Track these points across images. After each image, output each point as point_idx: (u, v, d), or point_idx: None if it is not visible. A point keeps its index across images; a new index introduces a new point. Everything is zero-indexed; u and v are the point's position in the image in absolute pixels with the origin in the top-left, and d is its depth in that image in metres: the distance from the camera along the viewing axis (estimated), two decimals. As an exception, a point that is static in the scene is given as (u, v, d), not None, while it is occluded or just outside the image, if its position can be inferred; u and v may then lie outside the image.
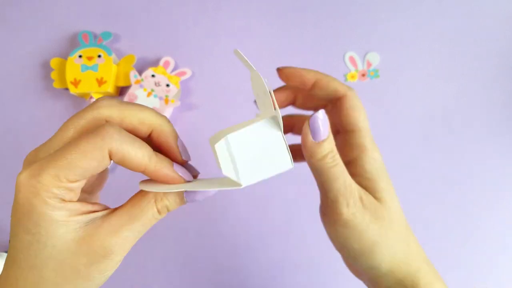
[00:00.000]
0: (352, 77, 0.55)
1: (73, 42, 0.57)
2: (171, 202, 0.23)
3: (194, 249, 0.52)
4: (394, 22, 0.56)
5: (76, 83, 0.53)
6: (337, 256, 0.28)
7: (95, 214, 0.22)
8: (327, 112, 0.26)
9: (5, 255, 0.47)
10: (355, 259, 0.26)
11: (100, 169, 0.21)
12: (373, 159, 0.26)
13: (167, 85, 0.53)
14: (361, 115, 0.28)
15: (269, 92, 0.22)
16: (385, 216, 0.25)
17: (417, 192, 0.53)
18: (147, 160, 0.21)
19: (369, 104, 0.55)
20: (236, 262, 0.51)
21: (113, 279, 0.53)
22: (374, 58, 0.55)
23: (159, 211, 0.22)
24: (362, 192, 0.25)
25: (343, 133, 0.28)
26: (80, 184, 0.21)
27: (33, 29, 0.57)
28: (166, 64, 0.55)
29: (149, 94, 0.53)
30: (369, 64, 0.55)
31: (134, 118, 0.22)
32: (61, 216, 0.20)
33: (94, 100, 0.54)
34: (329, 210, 0.25)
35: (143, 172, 0.22)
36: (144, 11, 0.57)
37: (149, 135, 0.23)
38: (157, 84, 0.53)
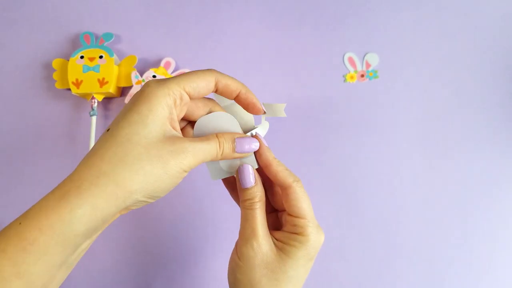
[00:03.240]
0: (351, 77, 0.56)
1: (75, 43, 0.57)
2: (227, 142, 0.30)
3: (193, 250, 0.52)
4: (393, 23, 0.57)
5: (77, 83, 0.53)
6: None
7: (178, 133, 0.30)
8: (278, 193, 0.34)
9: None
10: (234, 286, 0.32)
11: (206, 92, 0.30)
12: (313, 241, 0.31)
13: (168, 86, 0.54)
14: (305, 205, 0.32)
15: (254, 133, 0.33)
16: (275, 271, 0.30)
17: (416, 192, 0.53)
18: (242, 87, 0.31)
19: (368, 105, 0.55)
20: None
21: (114, 278, 0.53)
22: (373, 59, 0.56)
23: (219, 144, 0.30)
24: (266, 240, 0.31)
25: (289, 215, 0.32)
26: (186, 98, 0.29)
27: (35, 30, 0.58)
28: (167, 64, 0.55)
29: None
30: (368, 65, 0.56)
31: (232, 83, 0.31)
32: (166, 112, 0.28)
33: (96, 100, 0.54)
34: (238, 241, 0.32)
35: (239, 95, 0.31)
36: (145, 12, 0.58)
37: (237, 96, 0.32)
38: (158, 84, 0.54)
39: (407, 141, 0.54)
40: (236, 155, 0.31)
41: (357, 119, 0.55)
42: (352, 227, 0.52)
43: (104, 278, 0.52)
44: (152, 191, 0.27)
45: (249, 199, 0.31)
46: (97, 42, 0.56)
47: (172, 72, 0.55)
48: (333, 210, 0.53)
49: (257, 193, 0.31)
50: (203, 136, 0.30)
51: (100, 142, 0.27)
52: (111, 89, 0.53)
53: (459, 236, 0.52)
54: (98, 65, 0.54)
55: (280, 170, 0.32)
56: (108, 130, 0.27)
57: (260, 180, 0.32)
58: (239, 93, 0.31)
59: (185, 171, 0.28)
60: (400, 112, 0.55)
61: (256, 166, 0.32)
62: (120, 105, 0.56)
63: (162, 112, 0.27)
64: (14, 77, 0.57)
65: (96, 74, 0.54)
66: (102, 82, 0.53)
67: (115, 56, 0.55)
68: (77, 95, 0.55)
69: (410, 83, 0.55)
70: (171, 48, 0.57)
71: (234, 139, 0.31)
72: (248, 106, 0.32)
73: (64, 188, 0.25)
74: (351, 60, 0.56)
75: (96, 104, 0.54)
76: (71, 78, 0.53)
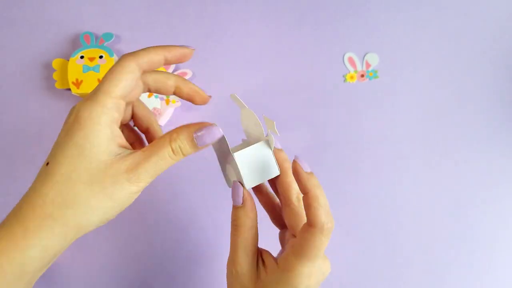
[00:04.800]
0: (351, 77, 0.56)
1: (75, 43, 0.57)
2: (183, 143, 0.26)
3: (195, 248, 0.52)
4: (393, 23, 0.57)
5: (78, 83, 0.53)
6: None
7: (126, 150, 0.27)
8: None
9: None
10: None
11: (133, 82, 0.27)
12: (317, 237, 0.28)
13: (168, 86, 0.54)
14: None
15: (262, 123, 0.30)
16: (265, 281, 0.29)
17: (416, 192, 0.53)
18: (175, 77, 0.30)
19: (368, 105, 0.55)
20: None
21: (113, 278, 0.53)
22: (373, 59, 0.56)
23: (173, 151, 0.26)
24: (247, 269, 0.29)
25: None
26: (122, 105, 0.27)
27: (35, 30, 0.58)
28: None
29: (150, 95, 0.53)
30: (368, 65, 0.56)
31: (168, 81, 0.30)
32: (107, 134, 0.25)
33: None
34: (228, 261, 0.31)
35: (177, 85, 0.30)
36: (145, 12, 0.58)
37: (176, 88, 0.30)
38: (158, 84, 0.54)
39: (407, 141, 0.54)
40: (200, 148, 0.27)
41: (357, 119, 0.55)
42: (352, 227, 0.52)
43: (103, 278, 0.52)
44: (104, 220, 0.26)
45: (233, 220, 0.30)
46: (97, 42, 0.56)
47: (172, 72, 0.55)
48: (333, 210, 0.52)
49: (241, 217, 0.29)
50: (152, 146, 0.26)
51: (39, 178, 0.26)
52: (111, 89, 0.53)
53: (459, 236, 0.52)
54: (98, 65, 0.54)
55: (315, 206, 0.28)
56: (47, 164, 0.26)
57: (252, 204, 0.30)
58: (176, 84, 0.30)
59: (137, 193, 0.26)
60: (400, 112, 0.55)
61: (278, 173, 0.30)
62: (120, 105, 0.56)
63: (101, 136, 0.25)
64: (14, 77, 0.57)
65: (96, 74, 0.54)
66: (102, 82, 0.53)
67: (115, 56, 0.55)
68: (77, 95, 0.55)
69: (410, 83, 0.55)
70: (171, 48, 0.57)
71: (192, 136, 0.27)
72: (193, 97, 0.30)
73: (10, 228, 0.24)
74: (351, 60, 0.56)
75: (96, 104, 0.54)
76: (71, 78, 0.54)
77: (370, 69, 0.56)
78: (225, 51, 0.57)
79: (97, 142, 0.25)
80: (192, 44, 0.57)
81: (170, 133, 0.27)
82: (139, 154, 0.26)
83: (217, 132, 0.27)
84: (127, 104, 0.29)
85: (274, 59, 0.56)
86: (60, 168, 0.25)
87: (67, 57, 0.56)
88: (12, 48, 0.58)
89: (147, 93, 0.53)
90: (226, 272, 0.31)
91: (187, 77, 0.55)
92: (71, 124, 0.26)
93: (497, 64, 0.55)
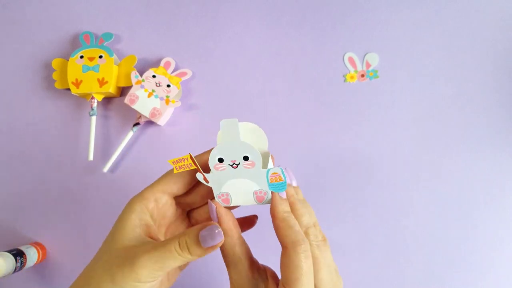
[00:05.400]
0: (352, 77, 0.55)
1: (75, 43, 0.57)
2: (190, 238, 0.26)
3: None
4: (393, 23, 0.57)
5: (77, 83, 0.53)
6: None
7: (148, 239, 0.29)
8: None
9: (5, 254, 0.47)
10: None
11: (185, 184, 0.30)
12: None
13: (168, 86, 0.54)
14: (296, 277, 0.26)
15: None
16: None
17: (416, 192, 0.53)
18: None
19: (368, 105, 0.55)
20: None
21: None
22: (373, 59, 0.56)
23: (180, 245, 0.26)
24: None
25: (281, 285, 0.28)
26: (162, 198, 0.30)
27: (34, 29, 0.58)
28: (167, 64, 0.55)
29: (150, 95, 0.53)
30: (368, 65, 0.56)
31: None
32: (135, 221, 0.29)
33: (95, 100, 0.54)
34: None
35: None
36: (145, 12, 0.58)
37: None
38: (158, 84, 0.53)
39: (407, 141, 0.54)
40: (205, 250, 0.26)
41: (357, 119, 0.55)
42: (352, 227, 0.52)
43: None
44: None
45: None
46: (97, 42, 0.56)
47: (172, 72, 0.55)
48: (334, 210, 0.52)
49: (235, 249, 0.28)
50: (164, 240, 0.27)
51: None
52: (110, 89, 0.53)
53: (459, 236, 0.52)
54: (98, 65, 0.54)
55: (282, 226, 0.27)
56: None
57: (229, 218, 0.28)
58: None
59: (142, 282, 0.26)
60: (400, 112, 0.55)
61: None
62: (119, 105, 0.56)
63: (128, 222, 0.28)
64: (14, 77, 0.57)
65: (96, 74, 0.53)
66: (101, 82, 0.53)
67: (114, 56, 0.55)
68: (77, 95, 0.55)
69: (410, 83, 0.55)
70: (171, 48, 0.57)
71: (197, 234, 0.26)
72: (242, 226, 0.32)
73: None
74: (351, 60, 0.56)
75: (95, 104, 0.54)
76: (71, 78, 0.53)
77: (370, 69, 0.56)
78: (225, 51, 0.57)
79: (125, 225, 0.28)
80: (192, 44, 0.57)
81: (181, 232, 0.28)
82: (151, 244, 0.26)
83: (219, 237, 0.26)
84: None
85: (274, 59, 0.56)
86: (102, 243, 0.29)
87: (66, 57, 0.56)
88: (12, 48, 0.58)
89: (147, 93, 0.53)
90: None
91: (186, 77, 0.55)
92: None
93: (497, 64, 0.55)
